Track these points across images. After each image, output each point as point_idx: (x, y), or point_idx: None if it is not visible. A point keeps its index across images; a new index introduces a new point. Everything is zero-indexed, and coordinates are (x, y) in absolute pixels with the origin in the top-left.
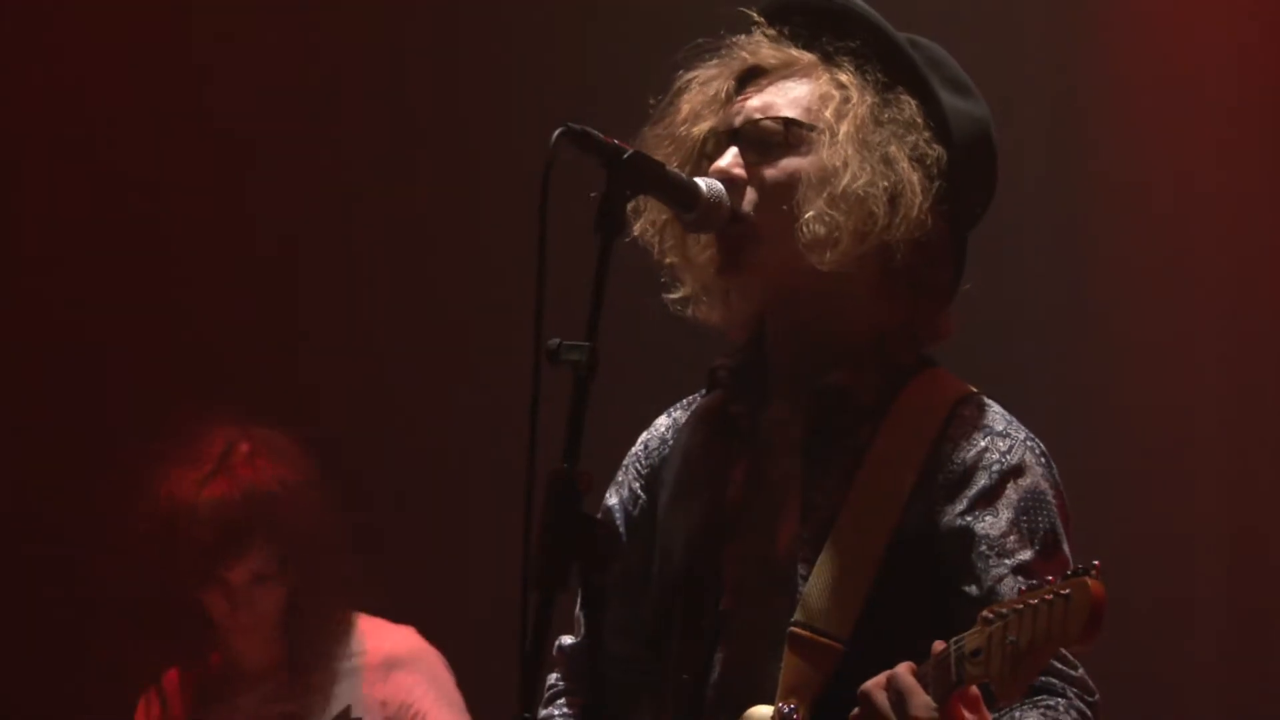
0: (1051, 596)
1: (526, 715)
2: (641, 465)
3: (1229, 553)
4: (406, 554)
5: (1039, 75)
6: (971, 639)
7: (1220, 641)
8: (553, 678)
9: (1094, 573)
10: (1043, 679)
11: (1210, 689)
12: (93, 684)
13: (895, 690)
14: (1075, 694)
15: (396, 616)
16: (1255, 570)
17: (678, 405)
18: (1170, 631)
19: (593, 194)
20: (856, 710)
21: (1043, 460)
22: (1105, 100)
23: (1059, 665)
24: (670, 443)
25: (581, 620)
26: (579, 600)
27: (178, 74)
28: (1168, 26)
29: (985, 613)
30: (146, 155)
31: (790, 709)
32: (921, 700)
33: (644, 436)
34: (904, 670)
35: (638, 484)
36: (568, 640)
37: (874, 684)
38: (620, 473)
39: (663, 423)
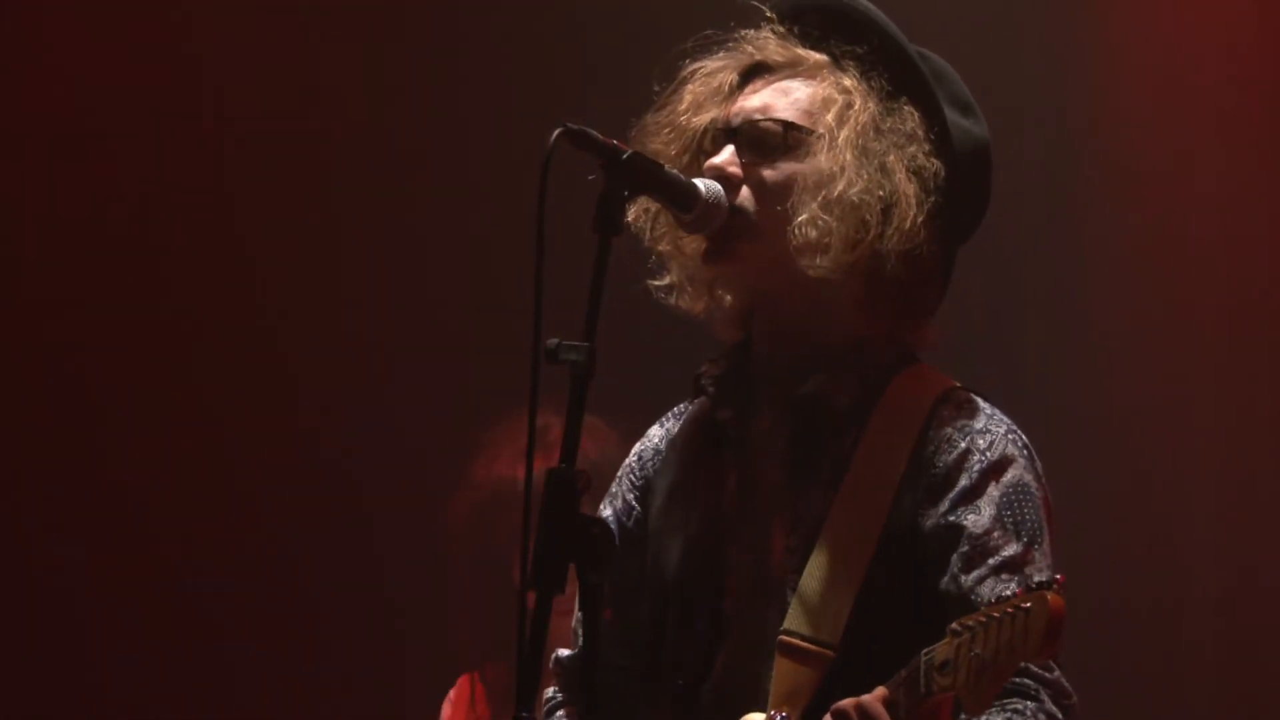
0: (1013, 610)
1: (524, 715)
2: (635, 476)
3: (1225, 553)
4: (403, 550)
5: (1037, 77)
6: (941, 650)
7: (1215, 642)
8: (549, 691)
9: (1056, 587)
10: (1017, 680)
11: (1205, 689)
12: (93, 684)
13: (863, 716)
14: (1049, 696)
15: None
16: (1252, 571)
17: (670, 415)
18: (1166, 631)
19: (591, 177)
20: None
21: (1025, 453)
22: (1103, 100)
23: (1034, 667)
24: (663, 452)
25: (579, 624)
26: (577, 606)
27: (175, 74)
28: (1165, 29)
29: (954, 625)
30: (143, 155)
31: (782, 718)
32: None
33: (637, 447)
34: (875, 699)
35: (631, 495)
36: (564, 653)
37: (848, 704)
38: (614, 484)
39: (655, 433)
